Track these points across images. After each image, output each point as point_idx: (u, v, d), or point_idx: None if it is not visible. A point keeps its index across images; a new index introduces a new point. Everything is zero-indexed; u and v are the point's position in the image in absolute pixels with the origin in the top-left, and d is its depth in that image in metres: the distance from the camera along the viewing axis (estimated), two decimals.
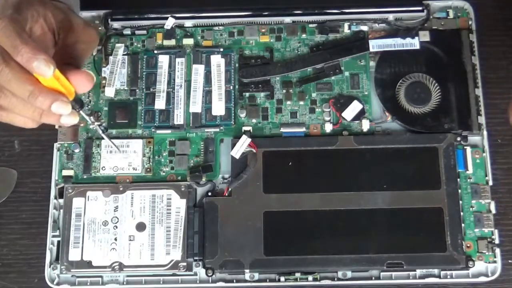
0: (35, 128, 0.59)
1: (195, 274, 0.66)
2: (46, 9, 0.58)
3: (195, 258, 0.66)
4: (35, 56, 0.53)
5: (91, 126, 0.68)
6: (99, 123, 0.62)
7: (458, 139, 0.68)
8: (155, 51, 0.72)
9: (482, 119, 0.69)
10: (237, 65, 0.72)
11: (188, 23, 0.73)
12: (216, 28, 0.73)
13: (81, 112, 0.58)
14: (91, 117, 0.61)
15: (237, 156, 0.68)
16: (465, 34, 0.72)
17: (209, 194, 0.68)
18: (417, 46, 0.71)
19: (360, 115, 0.70)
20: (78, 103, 0.57)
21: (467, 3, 0.73)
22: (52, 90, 0.55)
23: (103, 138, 0.67)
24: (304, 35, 0.72)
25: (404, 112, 0.70)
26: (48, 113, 0.56)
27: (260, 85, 0.71)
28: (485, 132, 0.69)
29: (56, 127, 0.70)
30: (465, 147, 0.69)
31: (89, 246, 0.66)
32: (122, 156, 0.69)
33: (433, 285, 0.66)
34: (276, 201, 0.66)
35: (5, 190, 0.71)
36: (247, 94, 0.71)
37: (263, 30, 0.73)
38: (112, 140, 0.66)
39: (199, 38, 0.73)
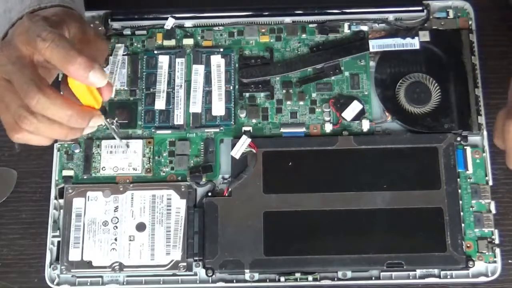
0: (9, 136, 0.59)
1: (195, 274, 0.66)
2: (73, 23, 0.58)
3: (195, 258, 0.66)
4: (91, 66, 0.53)
5: (107, 128, 0.67)
6: (114, 123, 0.63)
7: (458, 139, 0.68)
8: (155, 51, 0.72)
9: (482, 119, 0.69)
10: (237, 65, 0.72)
11: (188, 23, 0.73)
12: (216, 28, 0.73)
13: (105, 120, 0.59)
14: (107, 119, 0.61)
15: (237, 156, 0.68)
16: (465, 34, 0.72)
17: (209, 194, 0.68)
18: (417, 46, 0.71)
19: (360, 115, 0.70)
20: (103, 111, 0.58)
21: (467, 3, 0.73)
22: (86, 108, 0.56)
23: (114, 138, 0.67)
24: (304, 35, 0.72)
25: (404, 112, 0.70)
26: (76, 130, 0.57)
27: (260, 85, 0.71)
28: (485, 132, 0.69)
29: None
30: (465, 147, 0.69)
31: (89, 246, 0.66)
32: (122, 156, 0.69)
33: (433, 285, 0.66)
34: (276, 201, 0.66)
35: (5, 190, 0.71)
36: (247, 94, 0.71)
37: (263, 30, 0.73)
38: (123, 140, 0.68)
39: (199, 38, 0.73)
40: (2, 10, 0.61)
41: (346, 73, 0.71)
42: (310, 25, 0.73)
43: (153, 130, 0.70)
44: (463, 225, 0.66)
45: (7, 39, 0.57)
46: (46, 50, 0.53)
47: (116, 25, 0.73)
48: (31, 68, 0.54)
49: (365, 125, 0.69)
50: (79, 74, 0.53)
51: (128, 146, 0.69)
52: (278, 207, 0.66)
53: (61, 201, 0.68)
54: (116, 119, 0.67)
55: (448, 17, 0.73)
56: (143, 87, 0.71)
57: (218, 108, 0.70)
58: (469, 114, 0.69)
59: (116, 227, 0.67)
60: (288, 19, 0.73)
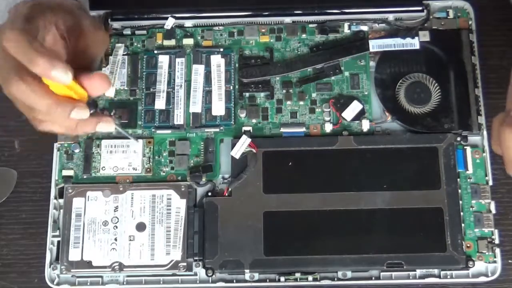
0: (35, 128, 0.59)
1: (195, 274, 0.66)
2: (57, 16, 0.57)
3: (195, 258, 0.66)
4: (52, 66, 0.53)
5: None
6: (118, 119, 0.63)
7: (458, 139, 0.68)
8: (155, 51, 0.72)
9: (482, 119, 0.69)
10: (237, 65, 0.72)
11: (188, 23, 0.73)
12: (216, 28, 0.73)
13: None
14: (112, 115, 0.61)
15: (237, 156, 0.68)
16: (465, 34, 0.72)
17: (209, 194, 0.68)
18: (417, 46, 0.71)
19: (360, 115, 0.70)
20: (91, 105, 0.58)
21: (467, 3, 0.73)
22: (67, 98, 0.56)
23: (117, 137, 0.68)
24: (304, 35, 0.72)
25: (404, 112, 0.70)
26: (81, 122, 0.57)
27: (260, 85, 0.71)
28: (485, 132, 0.69)
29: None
30: (465, 147, 0.69)
31: (89, 246, 0.66)
32: (122, 156, 0.69)
33: (433, 285, 0.66)
34: (276, 201, 0.66)
35: (5, 190, 0.71)
36: (247, 94, 0.71)
37: (263, 30, 0.73)
38: (127, 131, 0.68)
39: (199, 38, 0.73)
40: (4, 5, 0.61)
41: (346, 73, 0.71)
42: (310, 25, 0.73)
43: (153, 130, 0.70)
44: (463, 225, 0.66)
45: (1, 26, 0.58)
46: (10, 49, 0.53)
47: (116, 25, 0.73)
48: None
49: (365, 125, 0.69)
50: (41, 74, 0.54)
51: (137, 140, 0.69)
52: (278, 207, 0.66)
53: (61, 201, 0.68)
54: (114, 112, 0.68)
55: (448, 17, 0.73)
56: (143, 87, 0.71)
57: (218, 108, 0.70)
58: (469, 114, 0.69)
59: (116, 227, 0.67)
60: (288, 19, 0.73)
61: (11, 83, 0.54)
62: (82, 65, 0.58)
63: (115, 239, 0.67)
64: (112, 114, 0.69)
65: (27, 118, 0.58)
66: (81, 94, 0.57)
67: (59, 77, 0.53)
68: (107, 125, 0.59)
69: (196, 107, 0.70)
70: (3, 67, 0.55)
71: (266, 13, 0.73)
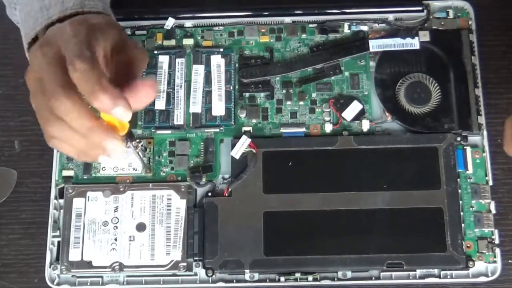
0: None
1: (195, 274, 0.66)
2: (107, 36, 0.56)
3: (195, 258, 0.66)
4: (114, 104, 0.51)
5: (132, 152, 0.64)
6: (139, 147, 0.62)
7: (458, 139, 0.68)
8: (155, 51, 0.72)
9: (482, 119, 0.69)
10: (237, 65, 0.72)
11: (188, 23, 0.73)
12: (216, 28, 0.73)
13: (130, 145, 0.58)
14: (133, 142, 0.59)
15: (237, 157, 0.68)
16: (465, 34, 0.72)
17: (209, 194, 0.68)
18: (417, 46, 0.71)
19: (360, 115, 0.70)
20: (129, 137, 0.57)
21: (467, 3, 0.73)
22: (108, 126, 0.54)
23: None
24: (304, 35, 0.72)
25: (404, 112, 0.70)
26: (99, 147, 0.54)
27: (260, 85, 0.71)
28: (485, 132, 0.69)
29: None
30: (465, 147, 0.69)
31: (89, 246, 0.66)
32: (122, 156, 0.69)
33: (433, 285, 0.66)
34: (276, 201, 0.66)
35: (5, 190, 0.71)
36: (247, 94, 0.71)
37: (263, 30, 0.73)
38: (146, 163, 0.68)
39: (199, 38, 0.73)
40: (38, 7, 0.60)
41: (346, 73, 0.71)
42: (310, 25, 0.73)
43: (153, 130, 0.70)
44: (463, 225, 0.66)
45: (47, 37, 0.56)
46: (75, 79, 0.52)
47: None
48: (63, 70, 0.53)
49: (365, 125, 0.69)
50: (103, 110, 0.52)
51: (150, 170, 0.69)
52: (278, 207, 0.66)
53: (61, 201, 0.68)
54: (142, 143, 0.67)
55: (448, 17, 0.73)
56: None
57: (218, 108, 0.70)
58: (469, 114, 0.69)
59: (116, 227, 0.67)
60: (288, 19, 0.73)
61: (57, 98, 0.52)
62: (124, 82, 0.56)
63: (115, 239, 0.67)
64: (139, 143, 0.68)
65: (42, 130, 0.56)
66: (124, 124, 0.55)
67: (119, 115, 0.52)
68: (117, 143, 0.55)
69: (196, 107, 0.70)
70: (49, 79, 0.53)
71: (266, 13, 0.73)
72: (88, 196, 0.68)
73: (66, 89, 0.52)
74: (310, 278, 0.66)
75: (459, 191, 0.67)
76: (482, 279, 0.65)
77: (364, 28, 0.73)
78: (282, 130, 0.70)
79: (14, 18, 0.67)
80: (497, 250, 0.66)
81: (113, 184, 0.68)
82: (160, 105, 0.70)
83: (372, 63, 0.72)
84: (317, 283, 0.66)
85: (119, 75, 0.56)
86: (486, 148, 0.68)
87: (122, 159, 0.57)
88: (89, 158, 0.56)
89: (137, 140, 0.65)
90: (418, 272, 0.66)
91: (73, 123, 0.53)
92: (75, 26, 0.55)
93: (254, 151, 0.68)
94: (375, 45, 0.71)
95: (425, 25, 0.72)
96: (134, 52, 0.58)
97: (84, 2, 0.59)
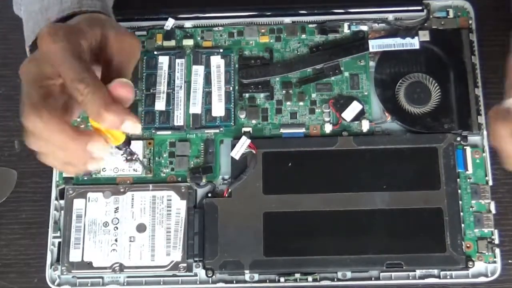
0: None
1: (195, 275, 0.66)
2: (109, 30, 0.56)
3: (195, 259, 0.66)
4: (121, 121, 0.52)
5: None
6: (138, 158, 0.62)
7: (458, 139, 0.68)
8: (155, 52, 0.72)
9: (482, 119, 0.69)
10: (237, 65, 0.72)
11: (188, 24, 0.73)
12: (216, 28, 0.73)
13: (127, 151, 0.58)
14: (129, 149, 0.59)
15: (237, 157, 0.68)
16: (465, 33, 0.72)
17: (209, 195, 0.68)
18: (417, 46, 0.71)
19: (359, 116, 0.70)
20: (126, 143, 0.57)
21: (467, 2, 0.73)
22: (88, 132, 0.54)
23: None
24: (303, 36, 0.72)
25: (404, 112, 0.70)
26: (82, 156, 0.55)
27: (260, 86, 0.71)
28: (485, 132, 0.69)
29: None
30: (465, 147, 0.69)
31: (89, 247, 0.67)
32: (122, 157, 0.69)
33: (433, 285, 0.66)
34: (276, 202, 0.66)
35: (5, 190, 0.71)
36: (247, 95, 0.71)
37: (262, 31, 0.73)
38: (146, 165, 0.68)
39: (198, 39, 0.73)
40: (37, 8, 0.60)
41: (346, 73, 0.71)
42: (310, 25, 0.73)
43: (153, 131, 0.70)
44: (463, 225, 0.66)
45: (35, 55, 0.56)
46: (80, 102, 0.52)
47: None
48: (41, 89, 0.53)
49: (365, 126, 0.69)
50: (112, 128, 0.53)
51: (150, 171, 0.69)
52: (278, 207, 0.66)
53: (62, 202, 0.68)
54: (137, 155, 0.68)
55: (448, 17, 0.73)
56: (143, 88, 0.71)
57: (218, 109, 0.70)
58: (469, 114, 0.69)
59: (117, 228, 0.67)
60: (287, 19, 0.73)
61: (28, 118, 0.52)
62: (109, 78, 0.55)
63: (116, 240, 0.67)
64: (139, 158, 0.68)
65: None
66: (117, 136, 0.55)
67: (130, 130, 0.53)
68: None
69: (196, 108, 0.70)
70: (25, 98, 0.53)
71: (266, 13, 0.73)
72: (89, 197, 0.68)
73: (39, 109, 0.52)
74: (309, 278, 0.66)
75: (459, 191, 0.67)
76: (482, 279, 0.66)
77: (364, 28, 0.73)
78: (282, 130, 0.70)
79: (21, 17, 0.67)
80: (497, 250, 0.66)
81: (114, 185, 0.68)
82: (160, 106, 0.70)
83: (372, 63, 0.71)
84: (317, 283, 0.66)
85: (108, 71, 0.56)
86: (486, 148, 0.68)
87: (109, 162, 0.57)
88: (76, 168, 0.56)
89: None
90: (418, 272, 0.66)
91: (50, 139, 0.53)
92: (67, 37, 0.54)
93: (254, 151, 0.68)
94: (374, 45, 0.71)
95: (425, 24, 0.72)
96: (119, 44, 0.57)
97: (82, 2, 0.59)
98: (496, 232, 0.66)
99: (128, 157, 0.59)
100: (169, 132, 0.70)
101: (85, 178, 0.69)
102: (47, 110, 0.53)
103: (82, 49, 0.54)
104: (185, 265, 0.66)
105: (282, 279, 0.66)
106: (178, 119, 0.70)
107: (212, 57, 0.71)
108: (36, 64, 0.55)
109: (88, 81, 0.52)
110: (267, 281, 0.66)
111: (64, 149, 0.54)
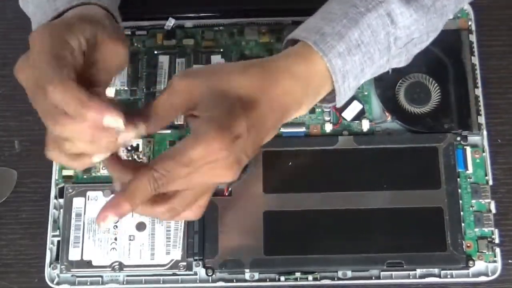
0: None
1: (195, 273, 0.66)
2: (79, 36, 0.53)
3: (195, 257, 0.66)
4: (102, 116, 0.50)
5: None
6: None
7: (458, 139, 0.68)
8: (156, 52, 0.72)
9: (482, 119, 0.69)
10: None
11: (188, 24, 0.73)
12: (216, 28, 0.73)
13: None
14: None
15: None
16: (464, 34, 0.72)
17: None
18: None
19: (360, 115, 0.70)
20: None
21: (466, 4, 0.73)
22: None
23: None
24: None
25: (404, 112, 0.70)
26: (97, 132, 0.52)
27: None
28: (485, 132, 0.69)
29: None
30: (465, 147, 0.69)
31: (89, 246, 0.66)
32: (122, 156, 0.69)
33: (433, 285, 0.66)
34: (276, 201, 0.66)
35: (5, 190, 0.71)
36: None
37: (263, 31, 0.73)
38: None
39: (199, 38, 0.73)
40: None
41: None
42: None
43: None
44: (463, 224, 0.66)
45: (22, 58, 0.54)
46: (55, 98, 0.50)
47: None
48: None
49: (365, 125, 0.69)
50: (96, 124, 0.50)
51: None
52: (278, 206, 0.66)
53: (61, 200, 0.68)
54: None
55: None
56: (144, 87, 0.71)
57: None
58: (469, 114, 0.69)
59: (116, 227, 0.67)
60: (288, 19, 0.73)
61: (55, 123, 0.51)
62: (94, 82, 0.53)
63: (115, 239, 0.67)
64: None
65: (47, 131, 0.53)
66: None
67: (112, 124, 0.50)
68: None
69: None
70: (41, 106, 0.51)
71: (266, 14, 0.73)
72: (88, 196, 0.68)
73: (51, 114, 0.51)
74: (310, 277, 0.66)
75: (459, 190, 0.67)
76: (482, 278, 0.65)
77: None
78: (282, 129, 0.70)
79: (27, 10, 0.65)
80: (497, 250, 0.66)
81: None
82: None
83: None
84: (317, 282, 0.65)
85: (87, 72, 0.54)
86: (486, 148, 0.69)
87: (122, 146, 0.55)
88: (84, 160, 0.54)
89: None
90: (418, 271, 0.66)
91: (65, 106, 0.50)
92: (40, 36, 0.53)
93: None
94: None
95: None
96: (110, 53, 0.55)
97: None
98: (496, 231, 0.66)
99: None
100: (169, 131, 0.70)
101: (85, 177, 0.69)
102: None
103: (67, 47, 0.52)
104: (185, 264, 0.66)
105: (282, 278, 0.66)
106: (178, 118, 0.70)
107: (212, 57, 0.72)
108: (27, 65, 0.53)
109: (58, 83, 0.50)
110: (267, 280, 0.66)
111: (79, 122, 0.51)
